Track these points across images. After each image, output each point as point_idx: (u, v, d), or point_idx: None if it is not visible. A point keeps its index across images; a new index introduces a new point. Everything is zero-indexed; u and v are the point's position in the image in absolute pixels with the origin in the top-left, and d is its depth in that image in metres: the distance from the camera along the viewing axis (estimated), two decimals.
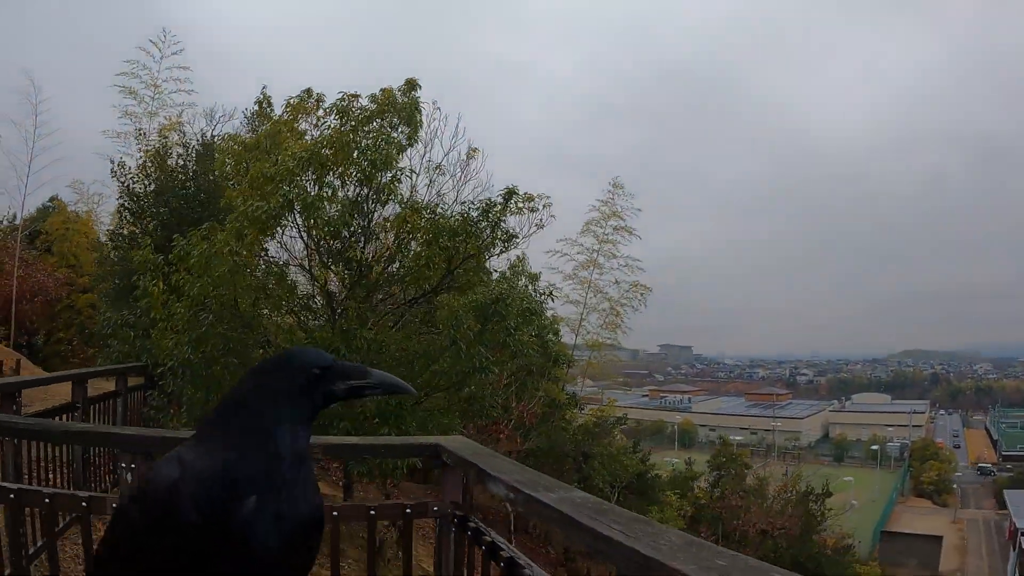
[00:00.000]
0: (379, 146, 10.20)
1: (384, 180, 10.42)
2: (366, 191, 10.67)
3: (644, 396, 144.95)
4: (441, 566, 4.00)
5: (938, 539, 51.58)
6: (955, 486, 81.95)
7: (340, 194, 10.47)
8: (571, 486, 3.05)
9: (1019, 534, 46.62)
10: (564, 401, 21.85)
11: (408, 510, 4.03)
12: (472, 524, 3.73)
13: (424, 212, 10.66)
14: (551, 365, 20.08)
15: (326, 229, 10.17)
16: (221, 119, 19.27)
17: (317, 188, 10.18)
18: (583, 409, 25.69)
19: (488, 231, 10.75)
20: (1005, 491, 63.52)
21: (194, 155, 16.50)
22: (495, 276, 13.16)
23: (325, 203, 10.05)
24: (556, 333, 22.25)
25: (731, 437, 66.23)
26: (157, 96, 26.43)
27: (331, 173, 10.37)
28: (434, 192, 11.85)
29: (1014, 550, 47.11)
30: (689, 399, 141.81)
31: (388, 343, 10.37)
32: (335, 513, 3.84)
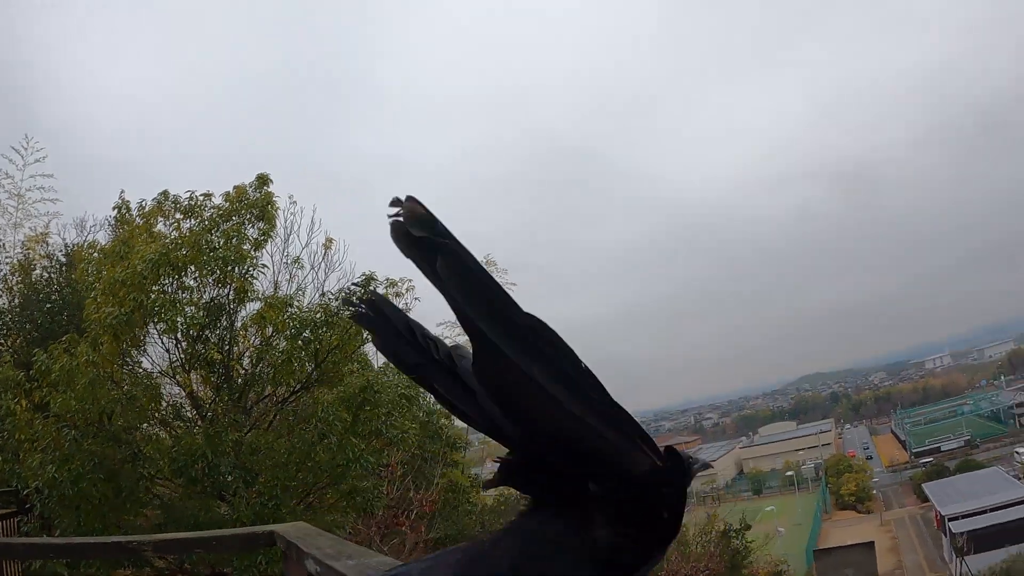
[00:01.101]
0: (231, 243, 10.26)
1: (238, 276, 10.44)
2: (226, 290, 10.66)
3: None
4: None
5: (870, 545, 53.23)
6: (875, 492, 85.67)
7: (196, 296, 10.43)
8: (377, 554, 3.12)
9: (945, 520, 49.43)
10: (467, 485, 21.77)
11: None
12: None
13: (283, 307, 10.68)
14: (448, 450, 20.04)
15: (187, 332, 10.10)
16: (92, 228, 18.82)
17: (175, 291, 10.15)
18: (489, 491, 25.57)
19: (351, 321, 10.87)
20: (924, 485, 67.21)
21: (58, 267, 15.95)
22: (377, 366, 13.25)
23: (181, 306, 9.98)
24: (448, 417, 22.27)
25: None
26: (21, 206, 25.47)
27: (186, 275, 10.36)
28: (295, 286, 11.92)
29: (945, 536, 49.82)
30: None
31: (260, 445, 10.23)
32: None
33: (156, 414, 10.78)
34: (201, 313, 10.28)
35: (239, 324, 11.08)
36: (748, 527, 31.32)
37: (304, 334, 10.29)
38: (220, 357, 10.61)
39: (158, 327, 10.30)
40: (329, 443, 9.76)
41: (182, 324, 9.99)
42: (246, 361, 11.27)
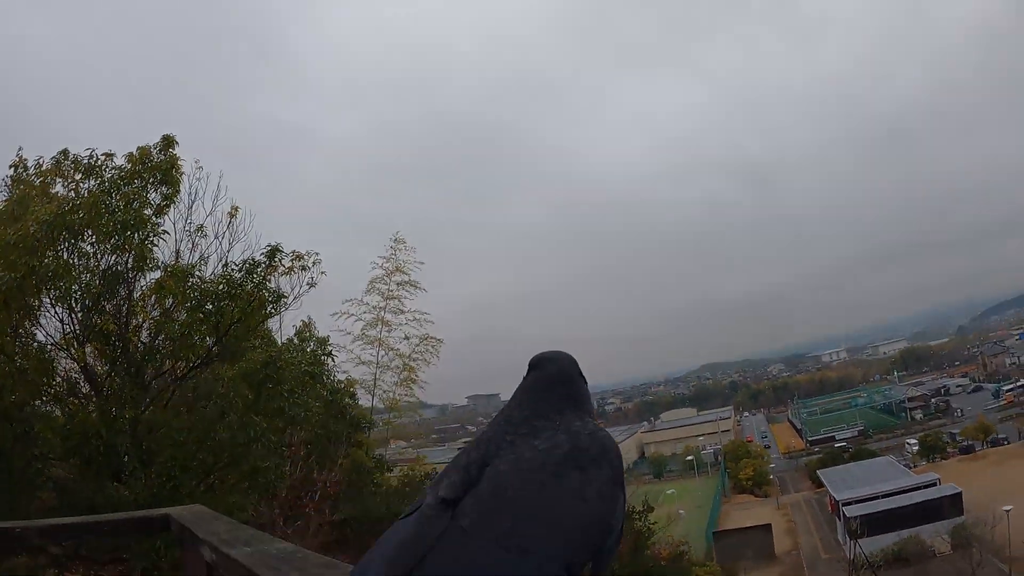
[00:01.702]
0: (131, 206, 9.66)
1: (138, 241, 9.84)
2: (124, 258, 10.06)
3: (459, 449, 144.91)
4: None
5: (768, 527, 55.15)
6: (772, 477, 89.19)
7: (93, 263, 9.82)
8: (277, 539, 2.84)
9: (840, 504, 51.41)
10: (372, 466, 21.39)
11: None
12: None
13: (184, 277, 10.11)
14: (352, 430, 19.61)
15: (82, 301, 9.48)
16: None
17: (71, 256, 9.51)
18: (393, 471, 25.23)
19: (254, 292, 10.35)
20: (819, 471, 69.80)
21: None
22: (282, 341, 12.72)
23: (76, 273, 9.38)
24: (352, 396, 21.81)
25: None
26: None
27: (83, 239, 9.74)
28: (197, 255, 11.32)
29: (840, 519, 51.91)
30: None
31: (158, 423, 9.69)
32: None
33: (49, 390, 10.19)
34: (97, 281, 9.71)
35: (137, 294, 10.49)
36: (651, 509, 31.61)
37: (206, 306, 9.80)
38: (116, 329, 10.01)
39: (51, 295, 9.72)
40: (230, 421, 9.33)
41: (77, 292, 9.45)
42: (144, 334, 10.68)
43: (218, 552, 2.80)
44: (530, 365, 1.48)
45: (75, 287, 9.39)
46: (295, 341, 19.41)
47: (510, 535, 1.11)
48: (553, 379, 1.42)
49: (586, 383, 1.50)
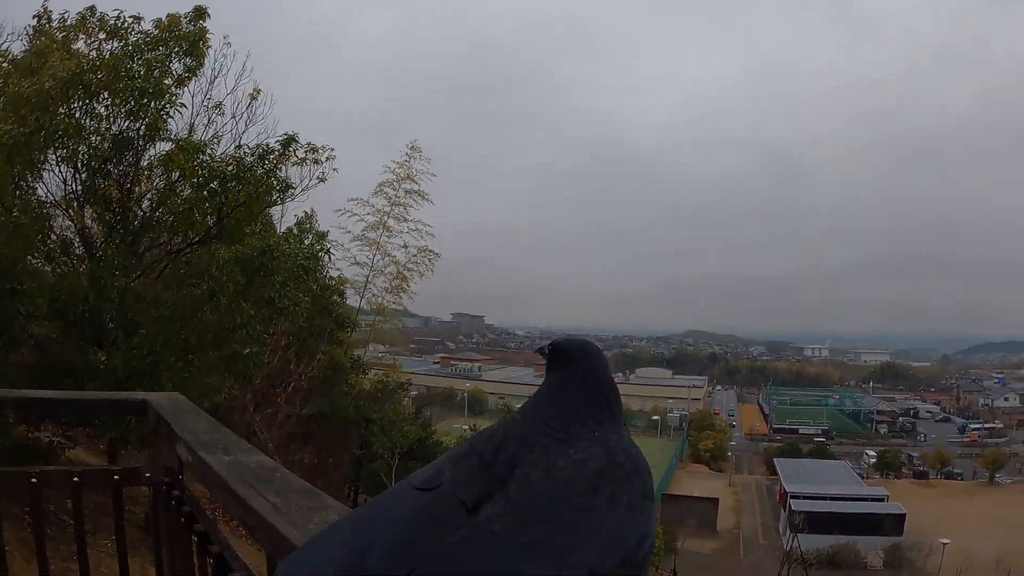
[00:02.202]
0: (151, 73, 9.46)
1: (154, 111, 9.64)
2: (137, 125, 9.88)
3: (436, 363, 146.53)
4: (158, 547, 3.49)
5: (715, 501, 56.13)
6: (730, 454, 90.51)
7: (105, 126, 9.64)
8: (256, 450, 2.72)
9: (788, 496, 52.37)
10: (348, 366, 21.50)
11: (116, 476, 3.50)
12: (185, 506, 3.14)
13: (195, 153, 9.93)
14: (335, 328, 19.66)
15: (89, 163, 9.34)
16: (10, 36, 17.29)
17: (83, 117, 9.33)
18: (368, 374, 25.35)
19: (263, 179, 10.22)
20: (775, 459, 70.81)
21: None
22: (281, 231, 12.61)
23: (86, 134, 9.21)
24: (341, 295, 21.83)
25: (517, 405, 67.94)
26: None
27: (98, 101, 9.55)
28: (211, 133, 11.10)
29: (784, 510, 52.86)
30: (480, 368, 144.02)
31: (147, 295, 9.66)
32: (34, 480, 3.30)
33: (43, 247, 10.04)
34: (107, 145, 9.50)
35: (145, 163, 10.29)
36: None
37: (212, 185, 9.64)
38: (118, 195, 9.86)
39: (58, 153, 9.49)
40: (218, 304, 9.25)
41: (84, 154, 9.23)
42: (145, 204, 10.51)
43: (194, 454, 2.75)
44: (556, 352, 1.42)
45: (83, 148, 9.19)
46: (295, 231, 19.37)
47: (542, 544, 1.09)
48: (589, 380, 1.37)
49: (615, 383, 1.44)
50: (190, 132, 10.66)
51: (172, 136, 10.19)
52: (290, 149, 10.34)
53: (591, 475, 1.18)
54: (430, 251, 28.32)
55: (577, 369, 1.37)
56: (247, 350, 10.22)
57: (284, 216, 16.00)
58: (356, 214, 27.33)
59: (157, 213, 10.36)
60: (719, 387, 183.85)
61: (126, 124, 9.87)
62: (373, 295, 27.85)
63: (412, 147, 28.37)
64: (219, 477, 2.39)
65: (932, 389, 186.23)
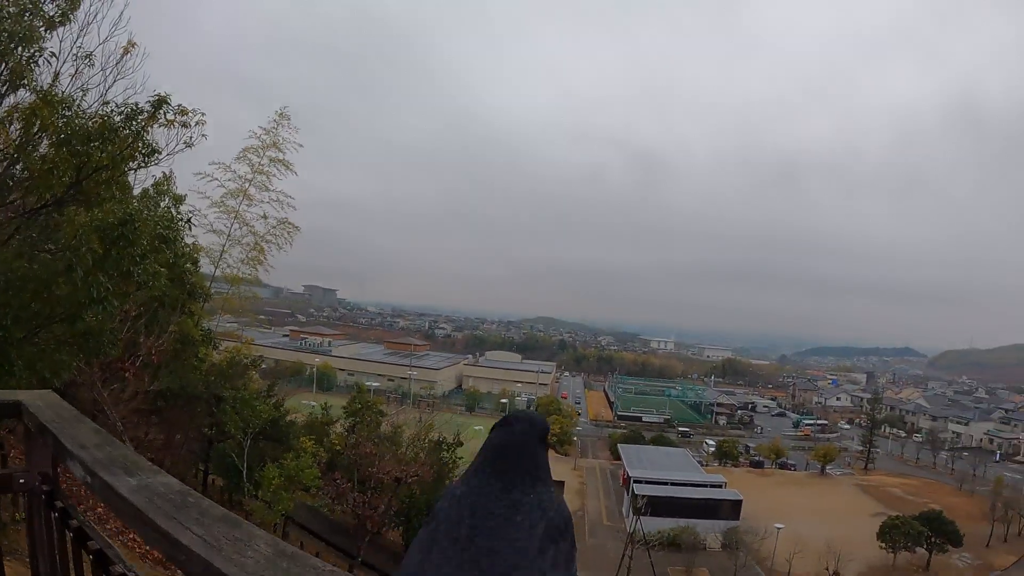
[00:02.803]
0: (22, 16, 8.63)
1: (21, 58, 8.80)
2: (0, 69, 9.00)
3: (285, 336, 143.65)
4: (36, 553, 3.23)
5: (560, 483, 56.90)
6: (576, 439, 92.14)
7: None
8: (157, 469, 2.57)
9: (631, 480, 54.36)
10: (198, 338, 20.61)
11: None
12: (59, 504, 3.00)
13: (60, 107, 9.10)
14: (186, 298, 18.77)
15: None
16: None
17: None
18: (219, 347, 24.45)
19: (129, 140, 9.49)
20: (619, 445, 73.21)
21: None
22: (136, 192, 11.82)
23: None
24: (195, 263, 20.91)
25: (368, 383, 67.55)
26: None
27: None
28: (78, 86, 10.23)
29: (628, 493, 54.78)
30: (330, 342, 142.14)
31: None
32: None
33: None
34: None
35: (2, 112, 9.38)
36: (461, 444, 32.10)
37: (73, 143, 8.86)
38: None
39: None
40: (74, 277, 8.42)
41: None
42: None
43: (95, 477, 2.52)
44: (502, 420, 1.61)
45: None
46: (151, 193, 18.34)
47: None
48: (524, 443, 1.56)
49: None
50: (54, 81, 9.79)
51: (35, 85, 9.32)
52: (160, 111, 9.64)
53: (538, 538, 1.42)
54: (290, 223, 27.63)
55: (517, 434, 1.57)
56: (102, 326, 9.49)
57: (138, 176, 15.12)
58: (217, 179, 26.31)
59: (13, 169, 9.46)
60: (567, 373, 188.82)
61: None
62: (228, 265, 26.93)
63: (281, 114, 27.55)
64: (132, 507, 2.26)
65: (770, 385, 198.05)
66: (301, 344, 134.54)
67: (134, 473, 2.49)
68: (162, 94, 9.76)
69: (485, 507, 1.45)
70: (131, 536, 9.09)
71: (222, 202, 26.49)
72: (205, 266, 25.01)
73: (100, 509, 8.86)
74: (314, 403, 51.25)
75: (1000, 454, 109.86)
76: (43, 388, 3.60)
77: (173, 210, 18.77)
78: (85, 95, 10.16)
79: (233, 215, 26.57)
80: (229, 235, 26.53)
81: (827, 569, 47.77)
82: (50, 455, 3.21)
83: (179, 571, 1.97)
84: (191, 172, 25.30)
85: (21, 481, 3.24)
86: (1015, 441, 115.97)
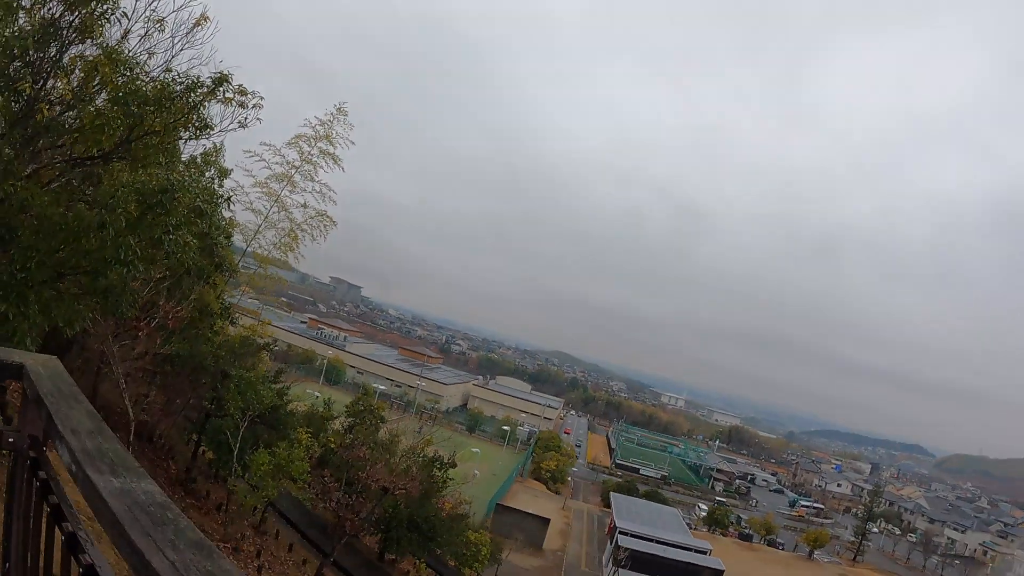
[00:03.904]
0: None
1: (94, 11, 8.92)
2: (70, 17, 9.12)
3: (303, 323, 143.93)
4: (12, 515, 3.21)
5: (546, 521, 56.80)
6: (570, 479, 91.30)
7: (35, 11, 8.91)
8: (143, 471, 2.53)
9: (617, 531, 53.91)
10: (217, 310, 20.72)
11: None
12: (42, 475, 2.95)
13: (122, 66, 9.22)
14: (213, 269, 18.88)
15: (9, 49, 8.56)
16: None
17: None
18: (235, 323, 24.58)
19: (185, 111, 9.62)
20: (612, 493, 72.51)
21: None
22: (185, 160, 11.95)
23: (15, 12, 8.48)
24: (228, 237, 21.08)
25: (376, 386, 67.59)
26: None
27: None
28: (145, 48, 10.36)
29: (611, 543, 54.34)
30: (346, 337, 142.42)
31: (34, 204, 8.82)
32: None
33: None
34: (31, 40, 8.66)
35: (66, 59, 9.49)
36: (454, 465, 31.94)
37: (131, 105, 8.96)
38: (30, 89, 8.97)
39: None
40: (105, 234, 8.48)
41: (5, 37, 8.39)
42: (55, 106, 9.68)
43: (79, 468, 2.49)
44: None
45: (7, 32, 8.41)
46: (198, 161, 18.55)
47: None
48: None
49: None
50: (122, 39, 9.91)
51: (102, 41, 9.44)
52: (220, 88, 9.76)
53: None
54: (328, 217, 27.76)
55: None
56: (124, 285, 9.56)
57: (188, 145, 15.29)
58: (264, 160, 26.55)
59: (65, 115, 9.56)
60: (573, 412, 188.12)
61: (60, 11, 9.06)
62: (260, 246, 27.10)
63: (339, 109, 27.74)
64: (111, 513, 2.20)
65: (773, 460, 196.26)
66: (317, 334, 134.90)
67: (119, 473, 2.46)
68: (224, 72, 9.89)
69: None
70: None
71: (266, 183, 26.72)
72: (237, 241, 25.20)
73: None
74: (318, 394, 51.39)
75: (992, 567, 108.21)
76: (54, 334, 3.60)
77: (216, 182, 18.95)
78: (151, 58, 10.30)
79: (274, 198, 26.78)
80: (267, 217, 26.73)
81: None
82: (42, 422, 3.16)
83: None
84: (241, 148, 25.51)
85: (10, 440, 3.20)
86: (1009, 556, 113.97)
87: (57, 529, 2.69)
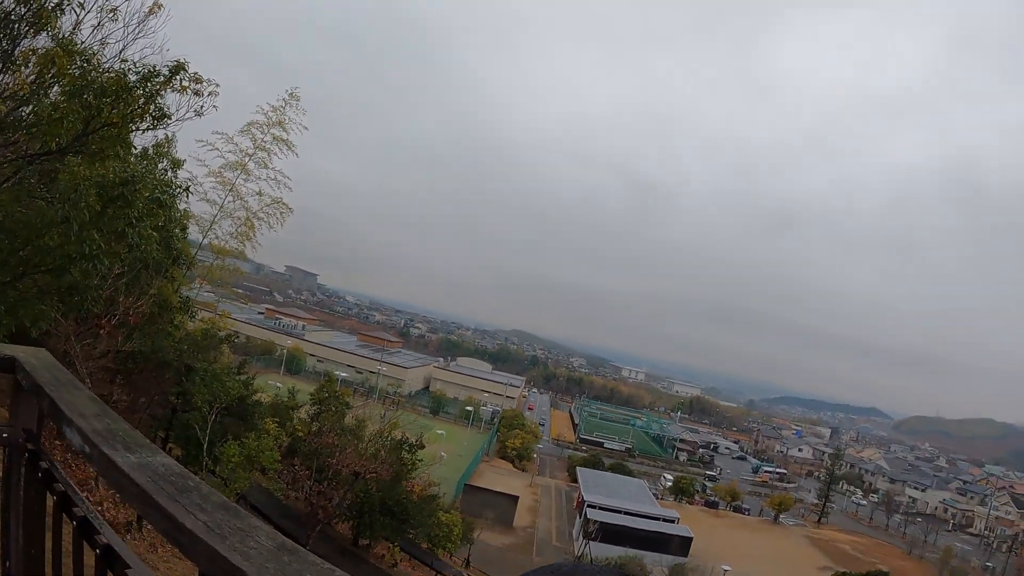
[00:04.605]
0: None
1: (49, 2, 8.70)
2: (22, 10, 8.88)
3: (260, 314, 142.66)
4: (9, 509, 3.13)
5: (515, 498, 57.25)
6: (536, 456, 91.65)
7: None
8: (156, 447, 2.53)
9: (585, 504, 54.47)
10: (176, 304, 20.43)
11: None
12: (44, 464, 2.94)
13: (78, 57, 9.01)
14: (170, 263, 18.61)
15: None
16: None
17: None
18: (195, 316, 24.29)
19: (142, 101, 9.41)
20: (578, 468, 73.14)
21: None
22: (136, 151, 11.71)
23: None
24: (183, 229, 20.76)
25: (338, 373, 67.33)
26: None
27: None
28: (98, 39, 10.13)
29: (580, 516, 54.93)
30: (304, 326, 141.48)
31: None
32: None
33: None
34: None
35: (17, 52, 9.25)
36: (422, 447, 31.99)
37: (87, 96, 8.76)
38: None
39: None
40: (68, 230, 8.31)
41: None
42: (6, 100, 9.43)
43: (92, 444, 2.46)
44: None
45: None
46: (150, 153, 18.23)
47: None
48: None
49: None
50: (74, 29, 9.69)
51: (56, 32, 9.21)
52: (176, 77, 9.56)
53: None
54: (284, 204, 27.44)
55: None
56: (87, 282, 9.39)
57: (141, 137, 14.98)
58: (218, 149, 26.14)
59: (22, 112, 9.34)
60: (535, 390, 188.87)
61: (13, 4, 8.82)
62: (217, 236, 26.73)
63: (291, 94, 27.37)
64: (136, 485, 2.18)
65: (735, 428, 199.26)
66: (275, 324, 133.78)
67: (134, 450, 2.44)
68: (181, 60, 9.69)
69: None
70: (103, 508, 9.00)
71: (220, 173, 26.31)
72: (193, 234, 24.85)
73: (78, 475, 8.78)
74: (280, 385, 51.09)
75: (953, 524, 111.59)
76: (20, 335, 3.56)
77: (171, 174, 18.66)
78: (104, 48, 10.09)
79: (229, 187, 26.40)
80: (222, 207, 26.34)
81: None
82: (36, 414, 3.16)
83: (177, 550, 1.96)
84: (193, 138, 25.11)
85: (4, 435, 3.15)
86: (969, 513, 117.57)
87: (65, 517, 2.65)
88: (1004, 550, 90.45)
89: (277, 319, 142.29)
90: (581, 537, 50.82)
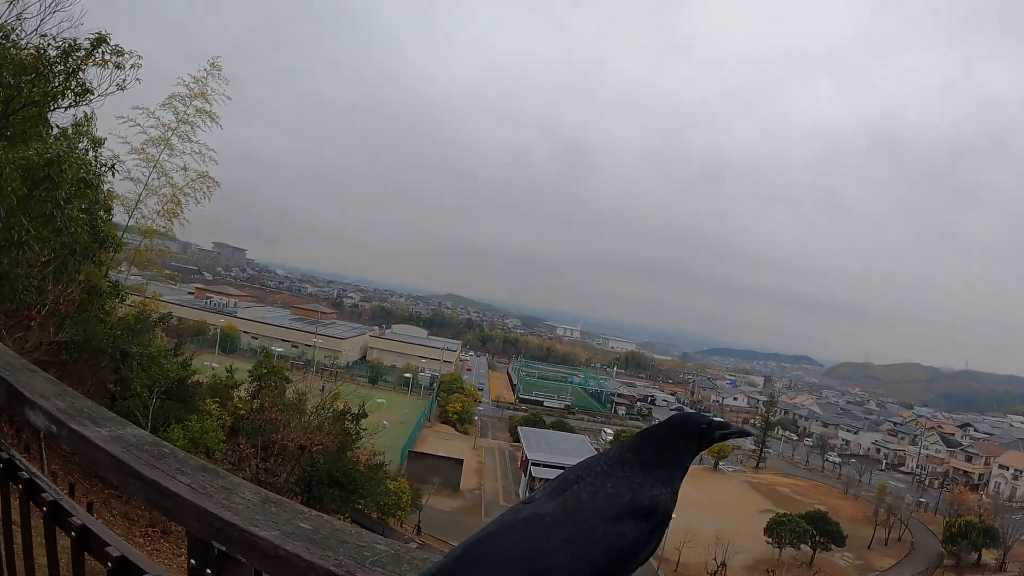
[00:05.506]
0: None
1: None
2: None
3: (190, 294, 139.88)
4: None
5: (459, 461, 57.73)
6: (477, 418, 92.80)
7: None
8: (123, 420, 2.51)
9: (529, 463, 55.03)
10: (106, 289, 19.81)
11: None
12: (4, 454, 2.83)
13: None
14: (97, 247, 17.98)
15: None
16: None
17: None
18: (125, 300, 23.61)
19: (62, 78, 8.97)
20: (519, 427, 73.78)
21: None
22: (55, 131, 11.23)
23: None
24: (108, 211, 20.07)
25: (274, 348, 66.58)
26: None
27: None
28: (14, 14, 9.58)
29: (525, 475, 55.45)
30: (236, 304, 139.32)
31: None
32: None
33: None
34: None
35: None
36: (365, 415, 31.89)
37: (4, 75, 8.30)
38: None
39: None
40: None
41: None
42: None
43: (63, 427, 2.41)
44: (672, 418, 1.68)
45: None
46: (69, 134, 17.53)
47: (571, 537, 1.45)
48: (666, 437, 1.61)
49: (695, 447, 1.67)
50: None
51: None
52: (98, 50, 9.12)
53: (617, 507, 1.49)
54: (210, 178, 26.71)
55: (665, 429, 1.62)
56: (18, 270, 8.95)
57: (57, 116, 14.39)
58: (139, 125, 25.25)
59: None
60: (472, 353, 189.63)
61: None
62: (143, 216, 25.94)
63: (213, 64, 26.52)
64: (111, 457, 2.20)
65: (670, 381, 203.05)
66: (206, 303, 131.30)
67: (102, 423, 2.41)
68: (102, 33, 9.27)
69: (592, 465, 1.58)
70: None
71: (143, 149, 25.42)
72: (119, 215, 24.05)
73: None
74: (216, 364, 50.28)
75: (886, 463, 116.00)
76: None
77: (92, 153, 17.99)
78: (22, 25, 9.55)
79: (153, 164, 25.56)
80: (147, 184, 25.50)
81: (715, 560, 49.17)
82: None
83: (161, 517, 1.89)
84: (113, 115, 24.22)
85: None
86: (900, 452, 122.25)
87: (33, 504, 2.60)
88: (936, 486, 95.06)
89: (208, 298, 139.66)
90: (527, 494, 51.43)
